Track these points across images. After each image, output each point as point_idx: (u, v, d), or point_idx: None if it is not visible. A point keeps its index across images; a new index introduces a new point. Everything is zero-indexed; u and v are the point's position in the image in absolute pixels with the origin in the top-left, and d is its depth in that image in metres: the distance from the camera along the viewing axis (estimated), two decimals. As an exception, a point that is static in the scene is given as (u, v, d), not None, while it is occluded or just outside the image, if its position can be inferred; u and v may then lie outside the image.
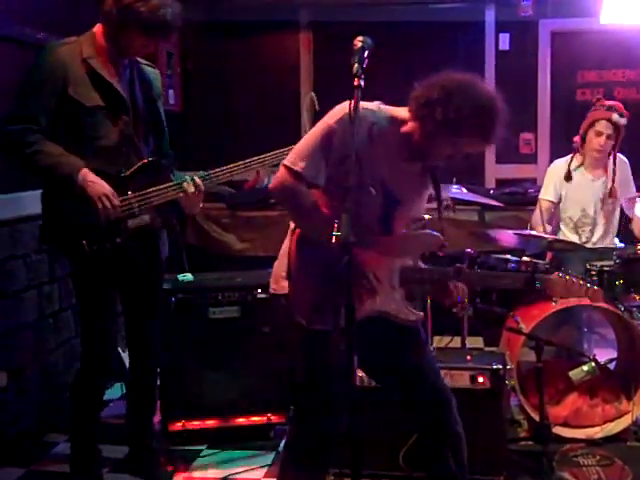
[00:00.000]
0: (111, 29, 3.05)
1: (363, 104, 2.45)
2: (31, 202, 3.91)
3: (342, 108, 2.45)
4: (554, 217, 4.52)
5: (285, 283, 2.58)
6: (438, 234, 2.64)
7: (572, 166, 4.43)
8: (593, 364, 3.80)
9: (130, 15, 2.95)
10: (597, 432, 3.90)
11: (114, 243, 3.07)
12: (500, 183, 6.24)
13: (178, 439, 3.89)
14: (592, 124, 4.34)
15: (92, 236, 3.05)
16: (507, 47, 6.29)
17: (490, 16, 6.27)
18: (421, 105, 2.44)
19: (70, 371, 4.38)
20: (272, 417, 3.96)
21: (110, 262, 3.11)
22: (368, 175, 2.47)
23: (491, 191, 5.67)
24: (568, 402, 4.02)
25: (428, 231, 2.70)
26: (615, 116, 4.28)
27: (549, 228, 4.42)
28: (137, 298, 3.38)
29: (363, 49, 2.33)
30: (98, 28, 3.11)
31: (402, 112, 2.54)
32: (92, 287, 3.21)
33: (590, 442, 3.84)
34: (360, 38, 2.35)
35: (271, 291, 2.66)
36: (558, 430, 3.83)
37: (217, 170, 3.20)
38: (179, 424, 3.89)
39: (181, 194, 3.15)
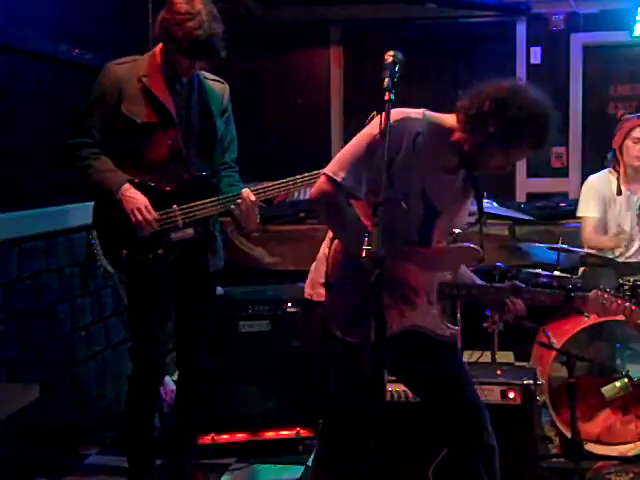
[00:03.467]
0: (162, 49, 3.17)
1: (408, 112, 2.45)
2: (65, 216, 3.98)
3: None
4: (602, 231, 4.44)
5: (322, 290, 2.56)
6: (478, 247, 2.59)
7: (613, 180, 4.39)
8: (626, 380, 3.76)
9: (169, 38, 3.06)
10: (630, 449, 3.85)
11: (156, 254, 3.19)
12: (531, 197, 6.21)
13: (207, 452, 3.89)
14: (628, 133, 4.30)
15: (135, 247, 3.19)
16: (539, 61, 6.28)
17: (521, 30, 6.27)
18: (472, 116, 2.40)
19: (101, 384, 4.42)
20: (301, 431, 3.96)
21: (158, 272, 3.22)
22: (409, 185, 2.45)
23: (522, 205, 5.64)
24: (600, 419, 3.97)
25: (468, 244, 2.65)
26: None
27: (604, 237, 4.37)
28: (187, 308, 3.44)
29: (394, 63, 2.32)
30: (159, 47, 3.21)
31: (449, 120, 2.51)
32: (140, 295, 3.35)
33: (623, 459, 3.80)
34: (391, 52, 2.34)
35: (306, 296, 2.66)
36: (590, 447, 3.79)
37: (267, 185, 3.24)
38: (208, 437, 3.90)
39: (229, 207, 3.21)
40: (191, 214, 3.20)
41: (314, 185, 2.51)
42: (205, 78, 3.34)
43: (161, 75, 3.19)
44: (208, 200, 3.20)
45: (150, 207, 3.15)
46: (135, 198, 3.14)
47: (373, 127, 2.44)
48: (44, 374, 3.86)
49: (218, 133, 3.33)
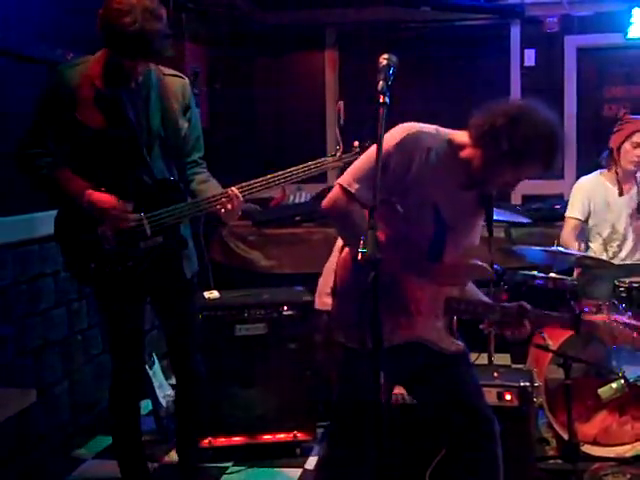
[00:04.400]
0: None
1: (421, 127, 2.48)
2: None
3: (400, 131, 2.47)
4: (582, 234, 4.49)
5: (328, 300, 2.58)
6: (486, 265, 2.60)
7: (605, 182, 4.40)
8: (622, 382, 3.76)
9: (104, 36, 2.86)
10: (627, 450, 3.85)
11: (125, 266, 3.06)
12: (526, 199, 6.22)
13: (205, 456, 3.89)
14: (629, 136, 4.30)
15: (102, 260, 3.05)
16: (533, 63, 6.30)
17: (516, 32, 6.29)
18: (484, 133, 2.43)
19: (98, 388, 4.41)
20: (298, 434, 3.96)
21: (128, 283, 3.09)
22: (422, 198, 2.47)
23: (517, 207, 5.64)
24: (597, 420, 3.97)
25: (476, 262, 2.65)
26: None
27: (582, 246, 4.39)
28: (167, 315, 3.36)
29: (389, 66, 2.32)
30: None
31: (460, 136, 2.54)
32: (111, 309, 3.22)
33: (620, 461, 3.80)
34: (385, 56, 2.35)
35: (315, 306, 2.67)
36: (587, 448, 3.79)
37: (252, 182, 3.11)
38: (206, 441, 3.89)
39: (211, 209, 3.09)
40: (159, 221, 3.04)
41: (327, 196, 2.52)
42: (163, 74, 3.13)
43: (112, 76, 2.97)
44: (177, 206, 3.05)
45: (120, 202, 2.99)
46: (103, 197, 2.98)
47: (387, 140, 2.44)
48: (41, 378, 3.86)
49: (181, 132, 3.14)
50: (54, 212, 3.88)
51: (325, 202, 2.51)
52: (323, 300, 2.62)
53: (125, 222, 3.02)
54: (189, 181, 3.20)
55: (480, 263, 2.62)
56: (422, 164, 2.45)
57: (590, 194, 4.43)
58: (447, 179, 2.52)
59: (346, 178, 2.48)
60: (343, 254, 2.59)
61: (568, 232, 4.42)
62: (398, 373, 2.64)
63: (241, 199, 3.07)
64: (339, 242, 2.64)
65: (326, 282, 2.63)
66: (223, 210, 3.06)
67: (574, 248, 4.29)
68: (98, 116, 2.98)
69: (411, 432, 3.29)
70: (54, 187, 3.04)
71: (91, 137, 3.00)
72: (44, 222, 3.86)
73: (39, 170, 3.02)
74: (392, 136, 2.47)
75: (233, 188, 3.08)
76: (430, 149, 2.47)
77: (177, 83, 3.16)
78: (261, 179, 3.11)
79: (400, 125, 2.49)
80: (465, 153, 2.51)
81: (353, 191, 2.44)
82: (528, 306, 2.63)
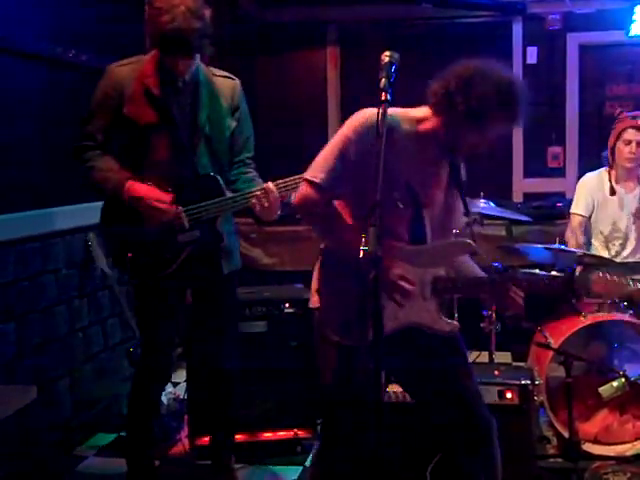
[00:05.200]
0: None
1: (373, 111, 2.39)
2: (61, 217, 3.98)
3: (357, 117, 2.48)
4: (586, 231, 4.48)
5: (316, 297, 2.60)
6: (469, 241, 2.59)
7: (613, 180, 4.40)
8: (623, 380, 3.76)
9: (148, 34, 2.99)
10: (628, 449, 3.85)
11: (163, 258, 3.15)
12: (528, 197, 6.22)
13: (205, 453, 3.89)
14: (619, 135, 4.32)
15: (141, 250, 3.15)
16: (535, 60, 6.29)
17: (518, 29, 6.28)
18: (440, 98, 2.42)
19: (99, 385, 4.41)
20: (299, 432, 3.96)
21: (164, 275, 3.17)
22: (393, 180, 2.44)
23: (519, 205, 5.64)
24: (598, 419, 3.97)
25: (458, 239, 2.66)
26: None
27: (583, 240, 4.39)
28: (203, 310, 3.40)
29: (391, 64, 2.33)
30: None
31: (417, 112, 2.53)
32: (147, 300, 3.31)
33: (621, 459, 3.79)
34: (387, 53, 2.35)
35: (309, 305, 2.67)
36: (588, 447, 3.79)
37: (288, 179, 3.14)
38: (206, 439, 3.89)
39: (246, 205, 3.14)
40: (197, 215, 3.14)
41: (296, 192, 2.55)
42: (214, 75, 3.27)
43: (160, 74, 3.12)
44: (215, 201, 3.14)
45: (162, 194, 3.10)
46: (143, 188, 3.09)
47: (346, 127, 2.49)
48: (42, 376, 3.86)
49: (227, 131, 3.25)
50: (55, 209, 3.92)
51: (295, 199, 2.53)
52: (313, 298, 2.63)
53: (163, 214, 3.10)
54: (234, 180, 3.28)
55: (461, 239, 2.62)
56: (385, 147, 2.43)
57: (593, 190, 4.43)
58: (414, 156, 2.50)
59: (310, 171, 2.50)
60: (321, 251, 2.60)
61: (571, 228, 4.41)
62: (393, 367, 2.63)
63: (276, 194, 3.11)
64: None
65: (314, 280, 2.65)
66: (259, 207, 3.12)
67: (573, 244, 4.29)
68: (145, 112, 3.11)
69: (411, 431, 3.28)
70: (98, 177, 3.15)
71: (137, 132, 3.12)
72: (46, 219, 3.87)
73: (86, 162, 3.16)
74: (350, 123, 2.48)
75: (269, 183, 3.13)
76: (390, 130, 2.40)
77: (227, 84, 3.29)
78: (297, 177, 3.10)
79: (356, 113, 2.49)
80: (427, 125, 2.50)
81: (319, 182, 2.45)
82: (518, 273, 2.63)
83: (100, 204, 3.28)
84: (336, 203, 2.55)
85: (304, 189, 2.50)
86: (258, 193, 3.11)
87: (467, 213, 2.71)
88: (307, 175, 2.50)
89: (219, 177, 3.18)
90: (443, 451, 2.76)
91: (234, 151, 3.30)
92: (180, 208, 3.13)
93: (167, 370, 3.49)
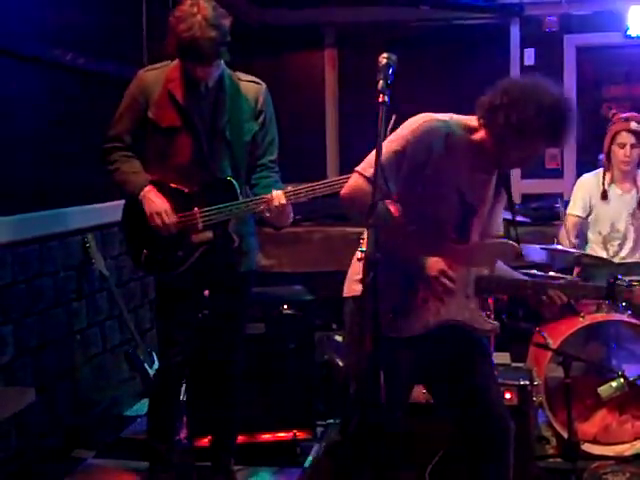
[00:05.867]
0: None
1: (435, 115, 2.53)
2: (60, 219, 3.98)
3: (416, 120, 2.52)
4: (581, 232, 4.49)
5: (357, 286, 2.55)
6: (513, 243, 2.63)
7: (606, 184, 4.40)
8: (622, 380, 3.77)
9: (170, 46, 3.09)
10: (627, 449, 3.86)
11: (177, 256, 3.25)
12: (526, 198, 6.23)
13: (204, 455, 3.89)
14: (613, 138, 4.33)
15: (156, 247, 3.27)
16: (532, 62, 6.30)
17: (515, 32, 6.29)
18: (486, 111, 2.48)
19: (98, 387, 4.41)
20: (298, 433, 3.95)
21: (178, 273, 3.27)
22: (444, 184, 2.52)
23: (516, 206, 5.64)
24: (597, 419, 3.97)
25: (503, 240, 2.69)
26: (634, 124, 4.27)
27: (576, 241, 4.40)
28: (219, 309, 3.43)
29: (388, 65, 2.33)
30: None
31: (472, 121, 2.58)
32: (165, 295, 3.43)
33: (620, 459, 3.80)
34: (385, 55, 2.36)
35: (343, 294, 2.69)
36: (587, 447, 3.79)
37: (299, 187, 3.19)
38: (205, 440, 3.89)
39: (255, 211, 3.22)
40: (211, 217, 3.22)
41: (346, 184, 2.58)
42: (239, 79, 3.34)
43: (184, 80, 3.22)
44: (227, 205, 3.20)
45: (170, 211, 3.21)
46: (155, 202, 3.20)
47: (404, 127, 2.53)
48: (40, 378, 3.85)
49: (247, 135, 3.31)
50: (53, 212, 3.92)
51: (344, 190, 2.56)
52: (352, 287, 2.63)
53: (164, 230, 3.21)
54: (255, 184, 3.35)
55: (506, 241, 2.66)
56: (440, 151, 2.49)
57: (591, 191, 4.43)
58: (466, 163, 2.56)
59: (363, 165, 2.53)
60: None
61: (565, 228, 4.42)
62: (426, 364, 2.64)
63: (278, 203, 3.14)
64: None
65: (355, 270, 2.64)
66: (268, 213, 3.18)
67: (567, 244, 4.30)
68: (168, 116, 3.22)
69: (411, 432, 3.29)
70: (120, 178, 3.28)
71: (160, 135, 3.24)
72: (44, 221, 3.87)
73: (111, 163, 3.29)
74: (409, 125, 2.53)
75: (274, 192, 3.18)
76: (447, 136, 2.51)
77: (252, 88, 3.37)
78: (308, 185, 3.17)
79: (416, 115, 2.54)
80: (477, 136, 2.55)
81: (368, 175, 2.46)
82: (560, 277, 2.66)
83: (98, 207, 3.31)
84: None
85: (354, 180, 2.52)
86: (265, 201, 3.17)
87: (514, 220, 2.81)
88: (358, 168, 2.52)
89: (235, 182, 3.24)
90: (451, 450, 2.77)
91: (257, 154, 3.37)
92: (196, 209, 3.22)
93: (183, 367, 3.51)
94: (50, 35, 3.94)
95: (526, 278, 2.71)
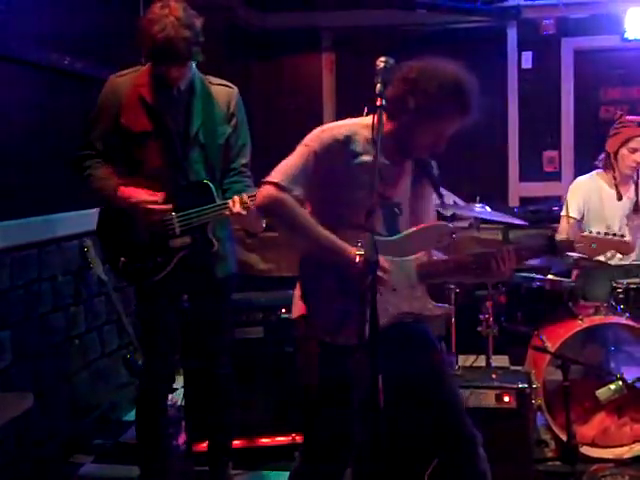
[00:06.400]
0: None
1: (331, 125, 2.55)
2: (58, 224, 3.98)
3: (319, 131, 2.54)
4: (575, 234, 4.48)
5: (300, 305, 2.55)
6: (445, 223, 2.63)
7: (601, 182, 4.40)
8: (620, 383, 3.77)
9: (141, 45, 3.06)
10: (626, 452, 3.85)
11: (155, 262, 3.21)
12: (524, 201, 6.23)
13: (202, 459, 3.88)
14: (626, 141, 4.32)
15: (134, 255, 3.22)
16: (530, 65, 6.31)
17: (512, 35, 6.30)
18: (391, 102, 2.43)
19: (96, 392, 4.41)
20: (297, 437, 3.94)
21: (157, 279, 3.21)
22: (359, 187, 2.45)
23: (515, 209, 5.65)
24: (595, 422, 3.97)
25: (434, 222, 2.69)
26: None
27: None
28: (198, 315, 3.42)
29: (386, 69, 2.34)
30: None
31: (369, 119, 2.51)
32: (145, 304, 3.37)
33: (619, 462, 3.79)
34: (382, 58, 2.37)
35: (292, 318, 2.66)
36: (586, 450, 3.79)
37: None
38: (204, 445, 3.88)
39: (223, 214, 3.17)
40: (188, 221, 3.19)
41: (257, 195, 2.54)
42: (210, 83, 3.32)
43: (155, 83, 3.18)
44: (204, 208, 3.18)
45: (151, 194, 3.15)
46: (132, 193, 3.15)
47: (307, 139, 2.53)
48: (38, 383, 3.85)
49: (221, 139, 3.29)
50: (52, 216, 3.92)
51: (257, 200, 2.53)
52: (297, 307, 2.59)
53: (155, 214, 3.17)
54: (227, 189, 3.31)
55: (435, 222, 2.66)
56: (347, 157, 2.48)
57: (586, 194, 4.44)
58: (375, 159, 2.48)
59: (273, 175, 2.49)
60: (299, 254, 2.58)
61: (560, 231, 4.42)
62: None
63: (238, 209, 3.11)
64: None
65: (297, 288, 2.62)
66: (233, 217, 3.17)
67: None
68: (140, 121, 3.18)
69: (410, 433, 3.28)
70: (93, 185, 3.23)
71: (133, 140, 3.20)
72: (42, 226, 3.87)
73: (85, 170, 3.24)
74: (312, 135, 2.53)
75: (235, 197, 3.15)
76: (349, 141, 2.49)
77: (223, 92, 3.34)
78: None
79: (312, 132, 2.55)
80: (385, 128, 2.48)
81: (284, 184, 2.45)
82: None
83: (95, 211, 3.31)
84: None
85: (265, 189, 2.48)
86: (227, 206, 3.14)
87: (442, 203, 2.79)
88: (269, 178, 2.49)
89: (211, 184, 3.22)
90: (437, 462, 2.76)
91: (229, 158, 3.34)
92: (172, 214, 3.18)
93: (170, 373, 3.50)
94: (48, 39, 3.95)
95: (464, 254, 2.66)
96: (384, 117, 2.43)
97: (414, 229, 2.64)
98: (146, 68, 3.22)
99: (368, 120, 2.47)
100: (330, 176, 2.50)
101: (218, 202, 3.20)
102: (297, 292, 2.61)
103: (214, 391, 3.50)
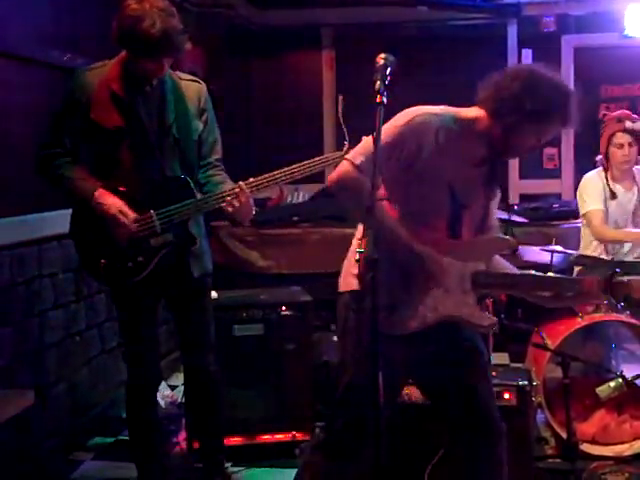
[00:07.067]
0: (127, 54, 3.06)
1: (428, 108, 2.51)
2: (58, 222, 3.97)
3: (409, 113, 2.50)
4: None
5: (353, 280, 2.54)
6: (508, 237, 2.64)
7: (611, 184, 4.39)
8: (620, 380, 3.76)
9: (127, 44, 2.97)
10: (626, 449, 3.86)
11: (136, 262, 3.12)
12: (524, 198, 6.23)
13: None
14: (610, 140, 4.33)
15: (114, 256, 3.12)
16: (530, 62, 6.29)
17: (512, 32, 6.30)
18: (503, 101, 2.47)
19: (96, 389, 4.41)
20: (297, 434, 3.95)
21: (139, 280, 3.14)
22: (437, 178, 2.49)
23: (515, 207, 5.65)
24: (596, 419, 3.98)
25: (497, 235, 2.69)
26: (628, 123, 4.27)
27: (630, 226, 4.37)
28: (179, 315, 3.38)
29: (386, 66, 2.33)
30: (125, 51, 3.11)
31: (470, 112, 2.56)
32: (125, 304, 3.29)
33: (619, 459, 3.80)
34: (382, 55, 2.35)
35: (338, 289, 2.65)
36: (586, 447, 3.79)
37: (260, 177, 3.11)
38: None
39: (216, 206, 3.12)
40: (168, 218, 3.10)
41: (333, 170, 2.53)
42: (180, 79, 3.24)
43: (126, 78, 3.08)
44: (186, 203, 3.10)
45: (125, 209, 3.06)
46: (108, 204, 3.06)
47: (396, 121, 2.49)
48: (39, 380, 3.85)
49: (195, 134, 3.22)
50: (52, 213, 3.91)
51: (330, 176, 2.52)
52: (348, 281, 2.60)
53: (123, 229, 3.07)
54: (204, 182, 3.25)
55: (501, 236, 2.66)
56: (432, 145, 2.47)
57: (599, 186, 4.41)
58: (460, 156, 2.53)
59: (352, 153, 2.51)
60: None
61: (599, 224, 4.32)
62: (419, 361, 2.63)
63: (248, 194, 3.08)
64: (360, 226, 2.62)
65: (350, 265, 2.61)
66: (231, 208, 3.09)
67: (611, 236, 4.27)
68: (112, 117, 3.08)
69: (411, 432, 3.29)
70: (68, 186, 3.12)
71: (105, 137, 3.09)
72: (42, 223, 3.87)
73: (56, 170, 3.12)
74: (401, 118, 2.49)
75: (240, 183, 3.10)
76: (439, 129, 2.48)
77: (193, 87, 3.26)
78: (268, 175, 3.11)
79: (407, 109, 2.52)
80: (481, 126, 2.54)
81: (357, 163, 2.44)
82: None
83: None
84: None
85: (342, 166, 2.49)
86: (231, 195, 3.09)
87: (507, 205, 2.78)
88: (348, 156, 2.50)
89: (189, 179, 3.16)
90: (446, 449, 2.75)
91: (202, 153, 3.27)
92: (152, 212, 3.10)
93: (156, 368, 3.46)
94: (48, 36, 3.94)
95: (524, 272, 2.67)
96: (484, 114, 2.50)
97: (481, 237, 2.67)
98: (115, 62, 3.11)
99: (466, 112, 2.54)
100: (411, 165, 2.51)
101: (201, 196, 3.14)
102: (351, 267, 2.59)
103: (205, 389, 3.46)
